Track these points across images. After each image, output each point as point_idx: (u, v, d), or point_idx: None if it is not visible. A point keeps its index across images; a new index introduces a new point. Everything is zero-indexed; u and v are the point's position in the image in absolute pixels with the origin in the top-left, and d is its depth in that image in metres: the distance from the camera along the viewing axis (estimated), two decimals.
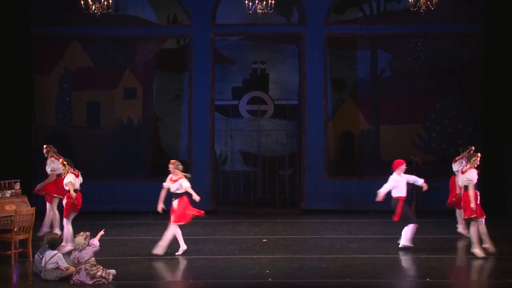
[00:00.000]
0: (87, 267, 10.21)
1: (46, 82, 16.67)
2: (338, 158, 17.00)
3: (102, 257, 10.84)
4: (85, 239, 10.46)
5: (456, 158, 13.78)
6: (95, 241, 10.53)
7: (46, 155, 13.54)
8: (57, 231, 12.72)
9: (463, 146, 14.42)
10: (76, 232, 11.26)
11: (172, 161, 12.53)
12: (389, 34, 16.69)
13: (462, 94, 16.53)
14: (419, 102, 16.65)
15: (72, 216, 12.26)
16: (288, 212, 16.47)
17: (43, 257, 10.51)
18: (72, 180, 12.14)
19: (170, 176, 12.38)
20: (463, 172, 12.01)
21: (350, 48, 16.90)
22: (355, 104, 16.91)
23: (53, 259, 10.39)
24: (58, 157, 13.28)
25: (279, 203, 17.02)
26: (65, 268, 10.41)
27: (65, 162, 12.34)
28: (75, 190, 12.13)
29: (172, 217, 12.15)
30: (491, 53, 15.84)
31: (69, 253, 11.12)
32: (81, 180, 12.38)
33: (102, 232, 10.82)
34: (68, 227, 12.20)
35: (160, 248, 11.94)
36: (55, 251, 10.51)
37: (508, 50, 15.12)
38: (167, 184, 12.30)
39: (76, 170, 12.36)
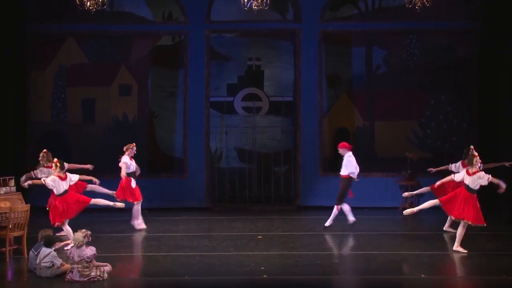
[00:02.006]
0: (79, 269, 10.17)
1: (41, 79, 16.64)
2: (333, 154, 16.97)
3: (98, 254, 10.81)
4: (84, 237, 10.41)
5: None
6: (90, 252, 10.41)
7: (42, 161, 13.55)
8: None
9: (458, 143, 14.44)
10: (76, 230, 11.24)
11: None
12: (384, 31, 16.71)
13: (458, 91, 16.57)
14: (414, 98, 16.68)
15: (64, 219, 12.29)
16: (283, 208, 16.49)
17: (37, 254, 10.50)
18: (49, 181, 12.16)
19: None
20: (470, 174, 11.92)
21: (345, 44, 16.91)
22: (350, 101, 16.93)
23: (47, 258, 10.38)
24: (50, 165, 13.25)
25: (274, 200, 17.05)
26: (60, 264, 10.41)
27: (58, 163, 12.30)
28: (63, 192, 12.19)
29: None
30: (487, 50, 15.84)
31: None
32: (68, 185, 12.30)
33: (107, 267, 10.58)
34: (66, 228, 12.24)
35: None
36: (50, 249, 10.49)
37: (504, 48, 15.12)
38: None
39: (64, 174, 12.34)
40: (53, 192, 12.41)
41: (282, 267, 11.05)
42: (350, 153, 14.01)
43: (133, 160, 14.09)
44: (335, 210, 13.96)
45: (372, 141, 16.84)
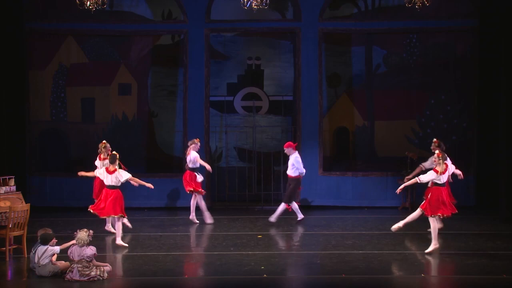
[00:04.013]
0: (79, 268, 10.17)
1: (40, 78, 16.63)
2: (333, 154, 17.02)
3: (98, 253, 10.80)
4: (88, 236, 10.41)
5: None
6: (90, 252, 10.39)
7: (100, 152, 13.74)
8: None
9: (458, 142, 14.41)
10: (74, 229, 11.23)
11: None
12: (384, 30, 16.71)
13: (457, 89, 16.57)
14: (414, 97, 16.69)
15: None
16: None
17: (35, 252, 10.51)
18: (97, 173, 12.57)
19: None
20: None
21: (345, 43, 16.91)
22: (350, 100, 16.94)
23: (45, 254, 10.38)
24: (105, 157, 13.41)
25: (274, 199, 17.02)
26: (58, 262, 10.40)
27: (109, 157, 12.51)
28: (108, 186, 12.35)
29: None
30: (485, 48, 15.88)
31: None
32: (114, 180, 12.33)
33: (107, 267, 10.59)
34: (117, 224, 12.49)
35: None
36: (47, 246, 10.48)
37: (502, 45, 15.13)
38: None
39: (113, 166, 12.34)
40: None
41: (282, 267, 11.05)
42: (297, 152, 14.56)
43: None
44: (282, 207, 14.46)
45: (372, 141, 16.84)
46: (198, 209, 14.62)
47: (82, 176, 13.29)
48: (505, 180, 14.81)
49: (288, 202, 14.53)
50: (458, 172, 12.67)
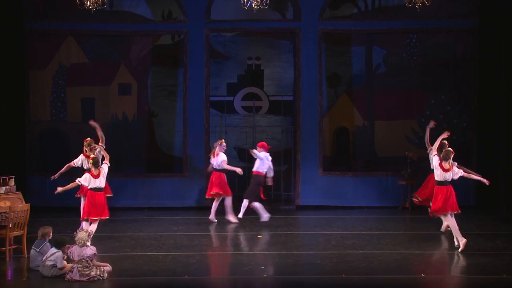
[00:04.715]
0: (79, 268, 10.16)
1: (40, 78, 16.63)
2: (333, 154, 17.02)
3: (98, 253, 10.80)
4: (88, 236, 10.41)
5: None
6: (90, 252, 10.39)
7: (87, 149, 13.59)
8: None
9: (458, 142, 14.38)
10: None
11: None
12: (384, 30, 16.72)
13: (457, 89, 16.58)
14: (414, 97, 16.69)
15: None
16: (283, 208, 16.48)
17: (40, 251, 10.51)
18: (82, 181, 12.19)
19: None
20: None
21: (345, 44, 16.92)
22: (350, 100, 16.94)
23: (52, 257, 10.36)
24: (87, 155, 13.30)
25: (274, 199, 17.02)
26: (61, 267, 10.39)
27: (91, 161, 12.31)
28: (93, 189, 12.13)
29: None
30: (485, 48, 15.89)
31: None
32: (101, 182, 12.22)
33: (107, 267, 10.59)
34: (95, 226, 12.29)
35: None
36: (57, 250, 10.45)
37: (502, 45, 15.13)
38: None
39: (97, 170, 12.23)
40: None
41: (282, 267, 11.04)
42: (263, 153, 14.46)
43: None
44: (244, 203, 14.43)
45: (372, 141, 16.84)
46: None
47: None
48: (505, 180, 14.81)
49: (249, 199, 14.41)
50: (477, 177, 12.35)
